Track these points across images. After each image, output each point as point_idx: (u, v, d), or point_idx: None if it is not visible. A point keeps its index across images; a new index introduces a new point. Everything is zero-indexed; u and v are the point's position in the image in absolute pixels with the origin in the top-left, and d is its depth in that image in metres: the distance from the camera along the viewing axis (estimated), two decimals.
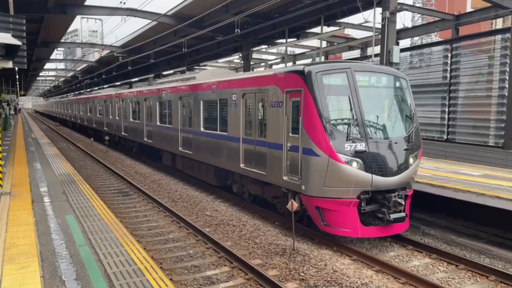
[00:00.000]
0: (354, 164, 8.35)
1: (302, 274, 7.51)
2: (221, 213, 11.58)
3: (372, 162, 8.48)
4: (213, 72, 15.64)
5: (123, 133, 24.16)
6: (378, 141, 8.69)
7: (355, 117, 8.60)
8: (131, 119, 22.39)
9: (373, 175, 8.47)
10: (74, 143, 29.44)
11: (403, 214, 8.66)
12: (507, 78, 14.33)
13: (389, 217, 8.48)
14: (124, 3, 19.53)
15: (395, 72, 9.73)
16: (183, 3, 19.34)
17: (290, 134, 9.29)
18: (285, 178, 9.48)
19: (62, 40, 30.19)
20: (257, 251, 8.71)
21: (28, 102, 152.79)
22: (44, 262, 5.76)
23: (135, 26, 27.81)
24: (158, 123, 18.12)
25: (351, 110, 8.61)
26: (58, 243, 6.51)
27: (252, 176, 11.03)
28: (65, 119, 51.41)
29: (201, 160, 14.10)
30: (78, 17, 22.76)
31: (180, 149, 15.65)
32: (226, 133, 12.20)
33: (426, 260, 8.44)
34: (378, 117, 8.93)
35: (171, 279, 7.01)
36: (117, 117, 25.25)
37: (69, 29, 28.17)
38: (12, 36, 7.96)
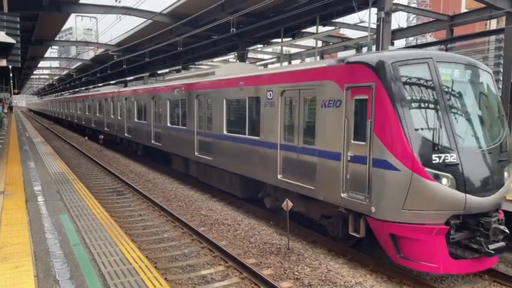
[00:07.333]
0: (444, 180, 6.69)
1: (297, 273, 7.53)
2: (216, 212, 11.58)
3: (465, 178, 6.78)
4: (241, 67, 13.93)
5: (126, 134, 22.43)
6: (472, 152, 6.98)
7: (442, 121, 6.91)
8: (136, 119, 20.61)
9: (467, 194, 6.76)
10: (69, 142, 29.32)
11: (503, 244, 6.98)
12: (501, 78, 14.42)
13: (488, 248, 6.77)
14: (119, 1, 19.45)
15: (479, 63, 7.92)
16: (178, 2, 19.29)
17: (352, 141, 7.61)
18: (343, 195, 7.78)
19: (57, 38, 30.04)
20: (252, 250, 8.72)
21: (22, 101, 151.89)
22: (38, 261, 5.73)
23: (130, 24, 27.78)
24: (169, 125, 16.46)
25: (437, 111, 6.95)
26: (52, 243, 6.48)
27: (293, 190, 9.34)
28: (61, 118, 49.63)
29: (223, 168, 12.45)
30: (72, 15, 22.53)
31: (196, 154, 14.03)
32: (257, 138, 10.60)
33: None
34: (469, 120, 7.21)
35: (165, 278, 7.00)
36: (119, 117, 23.54)
37: (64, 27, 28.04)
38: (7, 34, 7.93)
